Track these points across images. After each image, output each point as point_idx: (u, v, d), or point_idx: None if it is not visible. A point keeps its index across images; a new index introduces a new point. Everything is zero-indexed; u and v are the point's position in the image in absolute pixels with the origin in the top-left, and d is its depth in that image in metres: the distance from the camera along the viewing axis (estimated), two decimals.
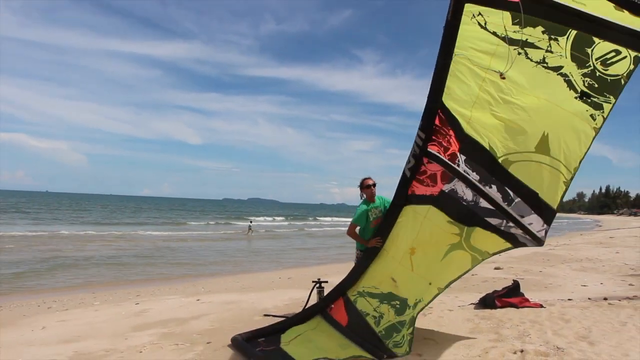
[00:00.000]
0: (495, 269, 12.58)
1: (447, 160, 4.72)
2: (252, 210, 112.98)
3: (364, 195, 5.85)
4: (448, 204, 4.87)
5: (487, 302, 7.06)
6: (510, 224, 4.67)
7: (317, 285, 6.80)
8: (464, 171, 4.70)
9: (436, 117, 4.70)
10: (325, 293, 6.79)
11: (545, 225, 4.68)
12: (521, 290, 7.32)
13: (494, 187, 4.64)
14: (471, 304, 7.37)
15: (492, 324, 6.06)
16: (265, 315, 7.00)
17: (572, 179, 4.62)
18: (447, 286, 5.05)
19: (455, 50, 4.48)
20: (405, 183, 5.05)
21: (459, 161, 4.70)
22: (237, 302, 8.42)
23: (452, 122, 4.68)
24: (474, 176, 4.66)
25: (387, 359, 4.78)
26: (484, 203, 4.70)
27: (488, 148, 4.60)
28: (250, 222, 33.65)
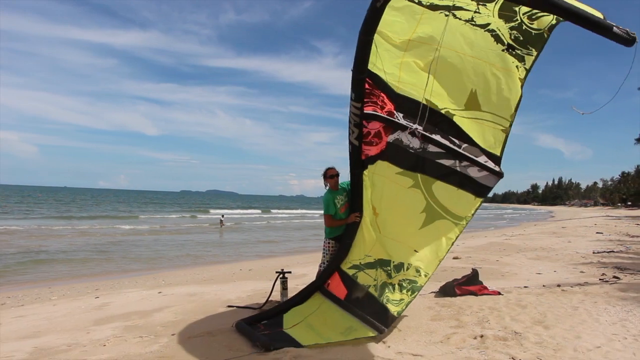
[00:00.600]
0: (454, 258, 12.91)
1: (385, 116, 5.04)
2: (211, 202, 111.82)
3: (328, 185, 6.05)
4: (395, 154, 5.10)
5: (447, 290, 7.25)
6: (465, 162, 4.88)
7: (281, 275, 6.83)
8: (406, 123, 5.02)
9: (365, 85, 4.93)
10: (289, 283, 6.87)
11: (497, 166, 4.89)
12: (479, 279, 7.54)
13: (438, 135, 4.92)
14: (431, 292, 7.55)
15: (452, 312, 6.24)
16: (229, 306, 6.98)
17: (511, 125, 4.85)
18: (444, 255, 5.16)
19: (379, 28, 4.63)
20: (356, 150, 5.23)
21: (397, 117, 5.01)
22: (200, 294, 8.35)
23: (381, 86, 4.98)
24: (417, 127, 4.93)
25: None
26: (432, 148, 4.95)
27: (425, 102, 4.87)
28: (222, 216, 33.10)
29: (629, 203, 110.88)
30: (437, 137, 4.96)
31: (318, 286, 5.66)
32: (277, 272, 6.94)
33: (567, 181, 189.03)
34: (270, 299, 6.76)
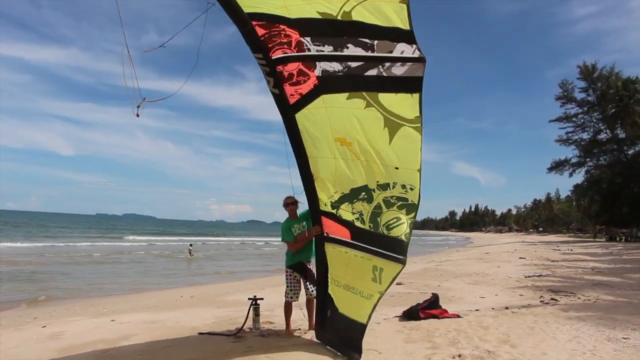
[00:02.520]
0: (397, 284, 13.31)
1: (297, 54, 4.91)
2: (128, 226, 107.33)
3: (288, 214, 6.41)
4: (332, 83, 4.99)
5: (412, 314, 7.52)
6: (387, 63, 4.61)
7: (253, 302, 6.80)
8: (317, 50, 4.84)
9: (256, 31, 4.77)
10: (260, 310, 6.86)
11: (413, 46, 4.48)
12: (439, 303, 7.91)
13: (350, 45, 4.69)
14: (395, 316, 7.80)
15: (422, 334, 6.49)
16: (200, 333, 6.83)
17: None
18: (419, 165, 4.91)
19: None
20: (280, 98, 5.26)
21: (307, 45, 4.85)
22: (160, 322, 8.09)
23: (274, 19, 4.73)
24: (328, 49, 4.81)
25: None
26: (354, 63, 4.78)
27: (322, 14, 4.58)
28: (190, 245, 31.61)
29: (541, 229, 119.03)
30: (351, 49, 4.67)
31: (324, 238, 5.86)
32: (249, 299, 6.91)
33: (483, 208, 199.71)
34: (243, 326, 6.72)
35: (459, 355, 5.35)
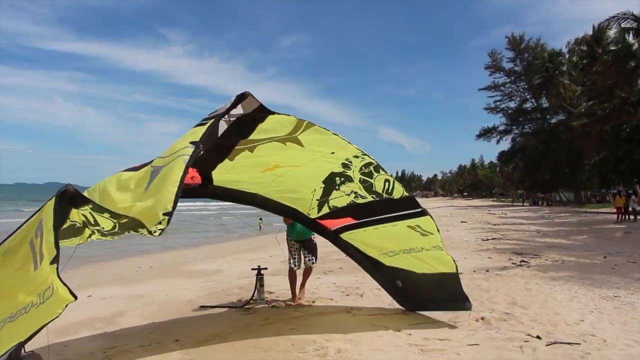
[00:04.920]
0: None
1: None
2: (49, 195, 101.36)
3: None
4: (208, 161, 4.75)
5: None
6: (226, 116, 4.14)
7: (258, 273, 6.56)
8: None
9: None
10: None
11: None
12: None
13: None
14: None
15: None
16: (203, 306, 6.47)
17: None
18: None
19: None
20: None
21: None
22: (146, 295, 7.62)
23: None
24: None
25: None
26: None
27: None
28: None
29: (465, 194, 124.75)
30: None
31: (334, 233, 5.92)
32: (253, 269, 6.65)
33: (409, 174, 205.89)
34: (252, 297, 6.49)
35: (482, 318, 5.43)
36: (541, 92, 53.42)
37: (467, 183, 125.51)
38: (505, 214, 34.75)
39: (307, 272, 6.69)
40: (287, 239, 6.56)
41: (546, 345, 4.47)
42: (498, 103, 60.99)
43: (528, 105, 59.86)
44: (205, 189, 5.22)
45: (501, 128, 62.05)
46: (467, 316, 5.43)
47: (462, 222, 25.63)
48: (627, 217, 23.53)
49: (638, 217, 22.62)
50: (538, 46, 56.38)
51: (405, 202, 5.20)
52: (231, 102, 4.03)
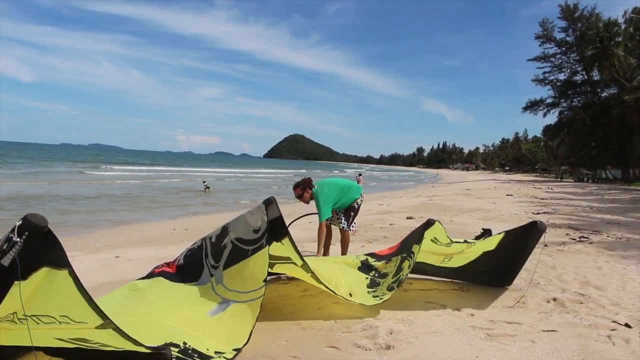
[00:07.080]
0: (408, 218, 12.77)
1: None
2: (95, 157, 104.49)
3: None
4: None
5: None
6: None
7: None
8: None
9: None
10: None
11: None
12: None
13: None
14: None
15: None
16: None
17: None
18: None
19: None
20: None
21: None
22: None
23: None
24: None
25: None
26: None
27: None
28: (204, 181, 29.58)
29: (507, 168, 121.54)
30: None
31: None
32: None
33: (451, 145, 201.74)
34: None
35: (554, 299, 4.68)
36: (593, 63, 50.39)
37: (510, 157, 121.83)
38: (552, 188, 33.19)
39: (346, 240, 6.42)
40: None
41: None
42: (547, 75, 57.98)
43: (578, 77, 56.70)
44: None
45: (549, 101, 59.18)
46: (535, 296, 4.70)
47: (507, 195, 24.49)
48: None
49: None
50: (593, 15, 53.10)
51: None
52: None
